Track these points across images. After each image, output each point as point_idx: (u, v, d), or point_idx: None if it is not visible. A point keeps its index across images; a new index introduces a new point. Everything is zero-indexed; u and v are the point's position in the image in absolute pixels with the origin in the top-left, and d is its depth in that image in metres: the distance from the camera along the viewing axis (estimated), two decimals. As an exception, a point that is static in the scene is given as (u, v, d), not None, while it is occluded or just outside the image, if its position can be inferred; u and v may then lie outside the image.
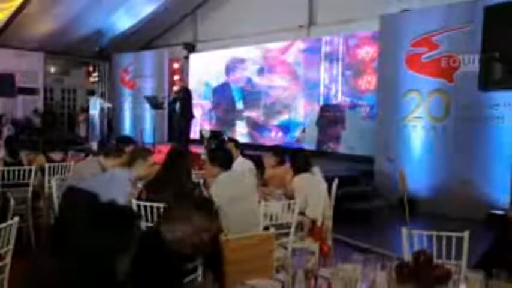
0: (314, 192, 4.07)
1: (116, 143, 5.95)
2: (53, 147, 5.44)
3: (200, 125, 11.83)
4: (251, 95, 11.08)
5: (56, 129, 12.95)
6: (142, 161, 3.78)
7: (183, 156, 3.96)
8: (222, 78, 11.86)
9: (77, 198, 3.57)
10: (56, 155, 5.36)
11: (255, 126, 11.02)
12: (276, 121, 10.54)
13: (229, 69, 11.67)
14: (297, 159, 4.44)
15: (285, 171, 4.78)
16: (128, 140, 5.29)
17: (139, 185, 3.82)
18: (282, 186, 4.56)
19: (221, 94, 11.89)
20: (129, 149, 4.84)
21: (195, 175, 4.67)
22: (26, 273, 1.67)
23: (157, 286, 1.78)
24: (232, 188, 3.48)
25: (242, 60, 11.31)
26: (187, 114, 9.40)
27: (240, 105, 11.40)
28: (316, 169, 4.48)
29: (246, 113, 11.21)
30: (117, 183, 3.53)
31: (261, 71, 10.87)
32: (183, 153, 4.25)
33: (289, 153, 4.67)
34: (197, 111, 12.08)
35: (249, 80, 11.13)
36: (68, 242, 1.58)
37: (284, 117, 10.37)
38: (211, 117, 12.12)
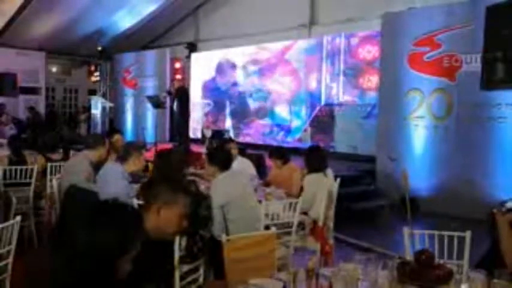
0: (322, 194, 4.05)
1: (94, 135, 5.95)
2: (51, 147, 5.43)
3: (202, 124, 11.84)
4: (253, 95, 11.07)
5: (55, 129, 12.91)
6: (137, 155, 3.79)
7: (171, 155, 3.97)
8: (224, 78, 11.86)
9: (78, 197, 3.58)
10: (55, 155, 5.36)
11: (257, 125, 11.01)
12: (278, 120, 10.53)
13: (230, 68, 11.65)
14: (313, 158, 4.38)
15: (290, 170, 4.76)
16: (113, 131, 5.27)
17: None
18: (286, 185, 4.54)
19: (223, 94, 11.88)
20: (114, 139, 4.84)
21: (196, 174, 4.68)
22: (28, 272, 1.67)
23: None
24: (232, 187, 3.47)
25: (244, 60, 11.30)
26: (184, 114, 9.43)
27: (242, 104, 11.39)
28: (329, 170, 4.43)
29: (248, 113, 11.21)
30: (111, 179, 3.53)
31: (262, 71, 10.86)
32: (171, 151, 4.26)
33: (306, 151, 4.60)
34: (198, 111, 12.10)
35: (251, 80, 11.13)
36: (70, 240, 1.57)
37: (286, 116, 10.36)
38: (213, 117, 12.12)
